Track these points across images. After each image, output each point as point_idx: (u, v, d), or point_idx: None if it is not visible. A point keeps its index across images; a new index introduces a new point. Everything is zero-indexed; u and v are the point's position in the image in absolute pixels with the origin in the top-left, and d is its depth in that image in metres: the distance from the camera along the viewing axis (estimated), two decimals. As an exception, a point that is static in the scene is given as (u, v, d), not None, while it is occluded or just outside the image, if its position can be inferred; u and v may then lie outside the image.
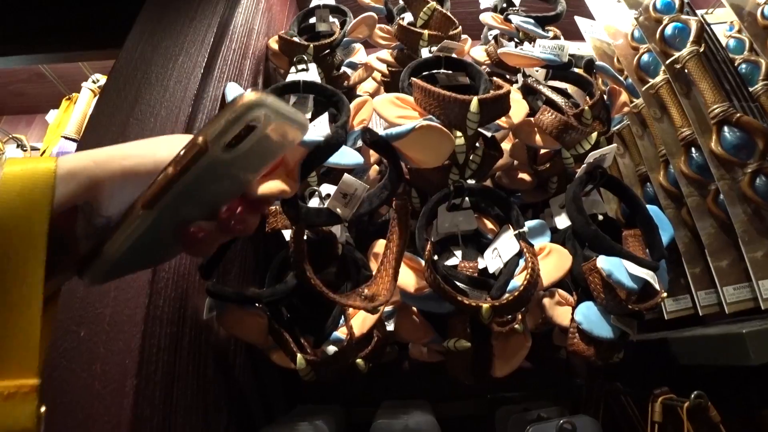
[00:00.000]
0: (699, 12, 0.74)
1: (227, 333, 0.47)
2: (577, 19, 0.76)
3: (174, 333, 0.39)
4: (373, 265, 0.50)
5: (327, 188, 0.46)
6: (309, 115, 0.57)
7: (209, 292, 0.43)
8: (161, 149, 0.22)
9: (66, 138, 1.05)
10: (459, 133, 0.45)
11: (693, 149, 0.60)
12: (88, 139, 0.46)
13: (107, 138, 0.45)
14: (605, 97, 0.56)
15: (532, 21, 0.63)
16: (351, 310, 0.42)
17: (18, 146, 1.17)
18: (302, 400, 0.58)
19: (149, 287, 0.36)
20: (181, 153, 0.19)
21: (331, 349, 0.42)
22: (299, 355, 0.41)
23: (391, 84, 0.69)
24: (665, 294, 0.42)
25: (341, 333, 0.43)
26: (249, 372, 0.52)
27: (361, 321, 0.41)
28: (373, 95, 0.72)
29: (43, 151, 1.10)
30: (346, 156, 0.48)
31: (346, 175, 0.40)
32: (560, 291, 0.46)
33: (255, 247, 0.55)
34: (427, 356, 0.49)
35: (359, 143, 0.56)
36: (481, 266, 0.45)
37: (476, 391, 0.57)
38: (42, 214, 0.19)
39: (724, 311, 0.56)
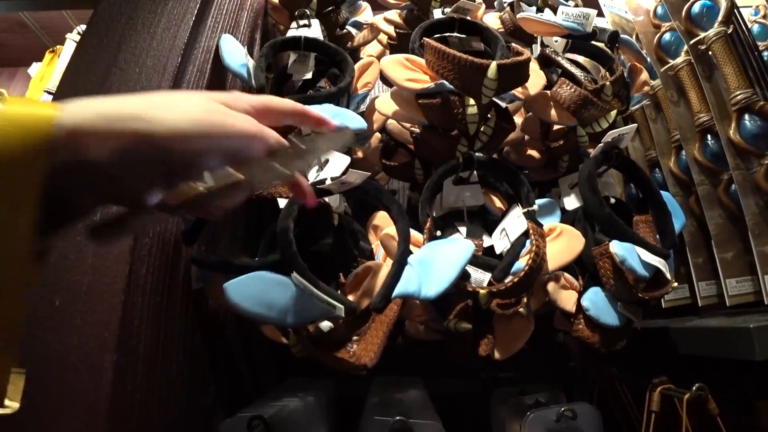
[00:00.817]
0: None
1: (216, 304, 0.44)
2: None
3: (158, 303, 0.36)
4: (372, 238, 0.47)
5: (327, 155, 0.43)
6: (310, 75, 0.53)
7: (193, 260, 0.40)
8: (171, 112, 0.20)
9: (49, 93, 0.99)
10: (472, 102, 0.42)
11: (709, 136, 0.58)
12: (65, 90, 0.41)
13: (86, 89, 0.40)
14: (625, 74, 0.52)
15: (552, -14, 0.59)
16: (350, 285, 0.39)
17: None
18: (292, 373, 0.57)
19: (130, 255, 0.33)
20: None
21: (326, 325, 0.40)
22: (291, 331, 0.39)
23: (398, 47, 0.64)
24: (675, 284, 0.41)
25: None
26: (238, 344, 0.50)
27: (359, 297, 0.38)
28: (378, 59, 0.68)
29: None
30: (349, 119, 0.44)
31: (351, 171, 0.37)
32: (566, 275, 0.44)
33: (247, 216, 0.52)
34: (424, 334, 0.47)
35: (363, 107, 0.53)
36: (486, 244, 0.43)
37: (469, 370, 0.56)
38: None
39: (723, 303, 0.55)
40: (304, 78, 0.54)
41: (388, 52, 0.71)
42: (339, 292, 0.41)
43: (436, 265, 0.35)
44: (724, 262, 0.54)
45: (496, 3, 0.72)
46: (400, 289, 0.33)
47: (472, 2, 0.54)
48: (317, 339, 0.38)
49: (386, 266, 0.39)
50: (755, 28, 0.72)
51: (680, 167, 0.61)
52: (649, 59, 0.64)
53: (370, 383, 0.55)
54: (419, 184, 0.55)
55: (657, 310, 0.61)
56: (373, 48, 0.72)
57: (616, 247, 0.38)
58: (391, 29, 0.65)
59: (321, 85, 0.54)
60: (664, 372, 0.46)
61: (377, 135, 0.58)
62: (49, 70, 1.10)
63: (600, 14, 0.69)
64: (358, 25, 0.66)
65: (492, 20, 0.66)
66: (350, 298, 0.40)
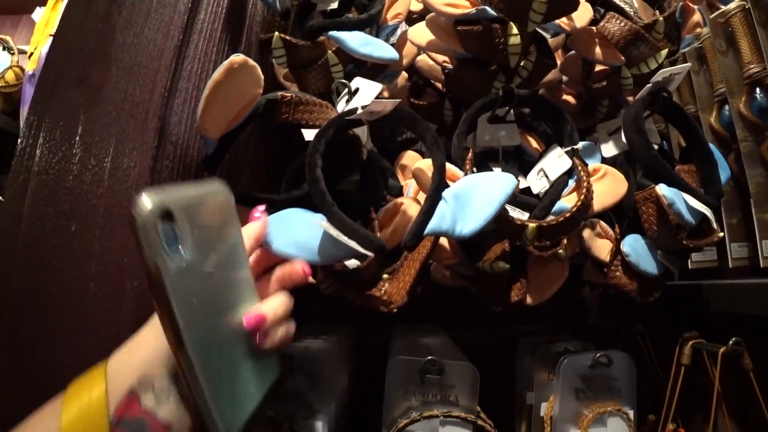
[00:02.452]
0: None
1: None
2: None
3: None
4: (400, 178, 0.45)
5: (358, 82, 0.40)
6: (335, 5, 0.49)
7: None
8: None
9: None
10: (515, 30, 0.39)
11: (758, 89, 0.54)
12: (65, 30, 0.38)
13: (87, 28, 0.37)
14: (677, 13, 0.48)
15: None
16: (379, 219, 0.37)
17: (4, 48, 1.06)
18: (312, 319, 0.56)
19: (149, 176, 0.31)
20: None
21: (353, 263, 0.39)
22: (319, 269, 0.37)
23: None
24: (721, 234, 0.39)
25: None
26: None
27: (391, 233, 0.36)
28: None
29: (31, 53, 1.00)
30: (380, 49, 0.41)
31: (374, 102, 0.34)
32: (602, 223, 0.42)
33: (267, 150, 0.49)
34: (450, 280, 0.46)
35: (393, 39, 0.49)
36: (522, 186, 0.41)
37: (490, 322, 0.55)
38: None
39: (754, 266, 0.53)
40: (330, 8, 0.50)
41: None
42: (369, 228, 0.39)
43: (473, 200, 0.32)
44: (762, 222, 0.52)
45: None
46: (432, 226, 0.31)
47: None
48: (346, 276, 0.37)
49: (417, 203, 0.38)
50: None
51: (722, 123, 0.57)
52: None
53: (389, 332, 0.54)
54: (447, 127, 0.52)
55: (682, 273, 0.60)
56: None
57: (665, 190, 0.36)
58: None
59: (349, 17, 0.50)
60: (687, 330, 0.45)
61: (404, 74, 0.55)
62: (54, 15, 1.05)
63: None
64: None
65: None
66: (379, 235, 0.39)
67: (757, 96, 0.54)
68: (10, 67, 1.01)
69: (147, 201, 0.19)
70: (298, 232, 0.31)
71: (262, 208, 0.29)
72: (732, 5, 0.57)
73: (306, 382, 0.37)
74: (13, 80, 1.02)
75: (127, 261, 0.30)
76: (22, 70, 1.05)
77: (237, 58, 0.29)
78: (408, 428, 0.36)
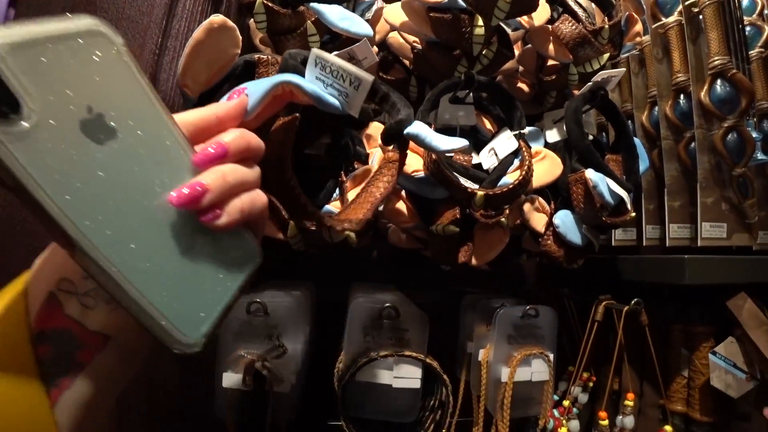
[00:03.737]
0: None
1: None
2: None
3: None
4: (366, 147, 0.50)
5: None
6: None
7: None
8: None
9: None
10: (481, 22, 0.44)
11: (682, 96, 0.63)
12: None
13: None
14: (622, 22, 0.55)
15: None
16: (348, 184, 0.42)
17: None
18: (271, 276, 0.60)
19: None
20: None
21: (329, 208, 0.43)
22: (291, 223, 0.41)
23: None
24: (633, 214, 0.47)
25: (334, 207, 0.43)
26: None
27: (361, 187, 0.41)
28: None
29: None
30: (356, 24, 0.45)
31: (363, 42, 0.37)
32: (540, 199, 0.49)
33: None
34: (405, 242, 0.52)
35: (368, 15, 0.53)
36: (474, 162, 0.47)
37: (438, 284, 0.62)
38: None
39: (663, 245, 0.63)
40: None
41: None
42: (339, 191, 0.44)
43: (442, 136, 0.35)
44: (671, 209, 0.62)
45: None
46: (413, 129, 0.32)
47: None
48: (314, 232, 0.41)
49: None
50: (745, 2, 0.76)
51: (651, 122, 0.67)
52: (645, 12, 0.67)
53: (345, 288, 0.60)
54: (412, 102, 0.57)
55: (606, 249, 0.70)
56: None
57: (591, 174, 0.43)
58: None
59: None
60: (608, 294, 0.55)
61: (375, 48, 0.59)
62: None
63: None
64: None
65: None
66: (349, 196, 0.43)
67: (680, 102, 0.63)
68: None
69: None
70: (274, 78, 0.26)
71: (242, 88, 0.24)
72: (671, 19, 0.65)
73: (276, 324, 0.42)
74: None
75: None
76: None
77: (216, 18, 0.32)
78: (366, 366, 0.42)
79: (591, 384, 0.58)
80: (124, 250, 0.17)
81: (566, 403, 0.53)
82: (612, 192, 0.44)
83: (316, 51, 0.27)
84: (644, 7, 0.65)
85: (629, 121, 0.70)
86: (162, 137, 0.19)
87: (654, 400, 0.59)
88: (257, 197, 0.22)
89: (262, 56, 0.37)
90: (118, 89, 0.18)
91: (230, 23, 0.32)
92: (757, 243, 0.63)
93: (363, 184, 0.39)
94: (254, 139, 0.22)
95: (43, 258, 0.20)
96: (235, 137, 0.21)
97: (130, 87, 0.19)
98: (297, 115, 0.29)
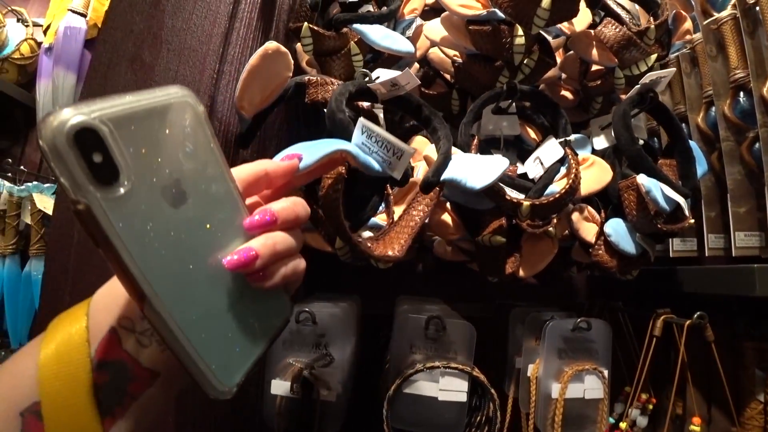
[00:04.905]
0: None
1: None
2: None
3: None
4: (411, 160, 0.51)
5: (379, 72, 0.45)
6: (357, -3, 0.55)
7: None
8: None
9: (73, 12, 0.99)
10: (521, 32, 0.45)
11: (741, 93, 0.60)
12: (114, 18, 0.42)
13: (137, 11, 0.42)
14: (669, 20, 0.54)
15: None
16: (393, 196, 0.43)
17: (18, 20, 1.10)
18: (318, 289, 0.62)
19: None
20: (88, 234, 0.17)
21: (367, 234, 0.45)
22: (338, 238, 0.43)
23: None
24: (692, 220, 0.45)
25: (381, 219, 0.45)
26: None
27: (403, 209, 0.42)
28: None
29: (48, 26, 1.04)
30: (398, 42, 0.47)
31: (405, 72, 0.39)
32: (589, 208, 0.48)
33: (290, 128, 0.55)
34: (450, 254, 0.52)
35: (408, 32, 0.55)
36: (519, 171, 0.47)
37: (485, 297, 0.62)
38: (84, 387, 0.19)
39: (728, 256, 0.59)
40: (350, 0, 0.55)
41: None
42: (384, 204, 0.46)
43: (479, 167, 0.38)
44: (736, 215, 0.58)
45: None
46: (449, 174, 0.37)
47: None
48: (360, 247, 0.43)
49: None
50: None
51: (708, 123, 0.64)
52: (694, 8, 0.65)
53: (389, 302, 0.61)
54: (454, 115, 0.58)
55: (664, 260, 0.66)
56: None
57: (644, 179, 0.42)
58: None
59: (368, 8, 0.55)
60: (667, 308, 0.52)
61: (416, 65, 0.60)
62: (69, -11, 1.08)
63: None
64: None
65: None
66: (395, 209, 0.45)
67: (740, 100, 0.60)
68: (25, 40, 1.06)
69: (59, 120, 0.15)
70: (322, 144, 0.31)
71: (292, 152, 0.27)
72: (724, 13, 0.62)
73: (323, 333, 0.44)
74: (28, 52, 1.06)
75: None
76: (37, 42, 1.10)
77: (271, 45, 0.35)
78: (412, 377, 0.43)
79: (651, 406, 0.55)
80: (184, 305, 0.19)
81: (623, 425, 0.50)
82: (667, 197, 0.43)
83: (363, 121, 0.31)
84: (693, 3, 0.63)
85: (683, 124, 0.68)
86: (224, 199, 0.21)
87: (725, 426, 0.55)
88: (299, 264, 0.24)
89: (311, 78, 0.40)
90: (195, 154, 0.20)
91: (283, 48, 0.35)
92: None
93: (406, 203, 0.40)
94: (303, 210, 0.24)
95: (104, 292, 0.22)
96: (285, 207, 0.23)
97: (205, 151, 0.20)
98: (344, 173, 0.32)
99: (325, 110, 0.36)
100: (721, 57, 0.63)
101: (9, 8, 1.10)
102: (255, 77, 0.35)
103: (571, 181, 0.40)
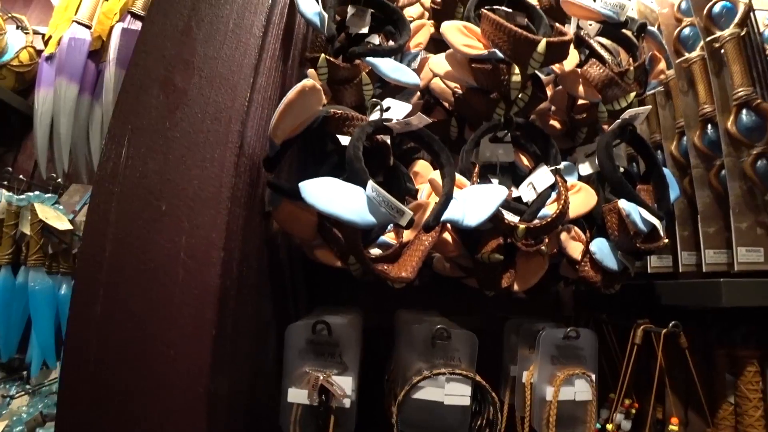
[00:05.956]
0: None
1: (278, 227, 0.53)
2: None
3: (246, 216, 0.44)
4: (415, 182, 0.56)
5: (389, 102, 0.51)
6: (366, 30, 0.60)
7: (269, 184, 0.48)
8: None
9: (78, 23, 1.02)
10: (517, 70, 0.51)
11: (709, 126, 0.68)
12: (149, 35, 0.46)
13: (166, 39, 0.45)
14: (646, 61, 0.61)
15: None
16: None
17: (18, 27, 1.12)
18: (320, 302, 0.66)
19: (234, 168, 0.41)
20: None
21: (376, 251, 0.49)
22: (351, 256, 0.48)
23: (440, 13, 0.71)
24: (666, 240, 0.51)
25: (389, 238, 0.49)
26: (288, 268, 0.59)
27: (412, 233, 0.47)
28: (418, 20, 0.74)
29: (50, 36, 1.06)
30: (406, 75, 0.52)
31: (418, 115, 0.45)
32: (576, 228, 0.54)
33: (299, 152, 0.59)
34: (449, 270, 0.57)
35: (414, 65, 0.60)
36: (513, 195, 0.53)
37: (478, 311, 0.67)
38: None
39: (700, 271, 0.66)
40: (360, 32, 0.61)
41: (427, 15, 0.77)
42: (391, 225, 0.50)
43: (476, 202, 0.44)
44: (706, 235, 0.65)
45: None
46: (447, 215, 0.43)
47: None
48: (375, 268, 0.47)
49: (433, 203, 0.49)
50: (767, 32, 0.82)
51: (680, 151, 0.71)
52: (667, 50, 0.73)
53: (389, 315, 0.65)
54: (452, 141, 0.64)
55: (642, 276, 0.73)
56: (414, 10, 0.78)
57: (624, 204, 0.48)
58: (435, -5, 0.72)
59: (374, 41, 0.61)
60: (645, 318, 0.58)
61: (417, 94, 0.66)
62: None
63: None
64: (404, -12, 0.73)
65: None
66: (405, 233, 0.49)
67: (708, 131, 0.68)
68: (25, 47, 1.08)
69: None
70: (341, 196, 0.39)
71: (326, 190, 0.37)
72: (693, 54, 0.70)
73: (337, 343, 0.48)
74: (27, 60, 1.08)
75: (215, 235, 0.40)
76: (36, 50, 1.11)
77: (308, 82, 0.40)
78: (419, 384, 0.47)
79: (633, 411, 0.61)
80: None
81: (610, 427, 0.56)
82: (644, 220, 0.49)
83: (372, 184, 0.38)
84: (665, 44, 0.70)
85: (658, 152, 0.75)
86: None
87: (700, 427, 0.61)
88: None
89: (336, 111, 0.44)
90: None
91: (318, 86, 0.40)
92: None
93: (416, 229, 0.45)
94: None
95: None
96: None
97: None
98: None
99: (346, 146, 0.42)
100: (692, 92, 0.71)
101: (9, 15, 1.11)
102: (291, 110, 0.40)
103: (561, 205, 0.45)
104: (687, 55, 0.71)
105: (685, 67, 0.71)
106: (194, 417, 0.39)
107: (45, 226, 0.85)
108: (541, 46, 0.47)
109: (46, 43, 1.10)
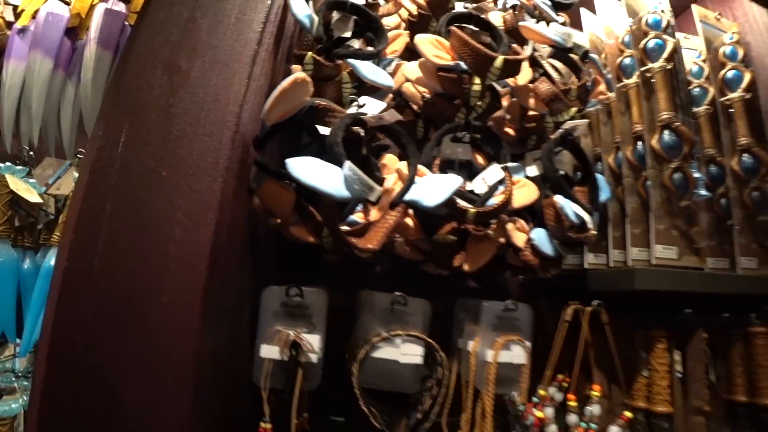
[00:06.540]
0: (680, 35, 0.94)
1: (260, 205, 0.60)
2: (583, 11, 0.93)
3: (236, 188, 0.51)
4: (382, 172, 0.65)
5: (365, 99, 0.60)
6: (349, 34, 0.69)
7: (256, 163, 0.56)
8: None
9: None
10: (478, 81, 0.61)
11: (639, 142, 0.81)
12: (147, 31, 0.53)
13: (172, 25, 0.53)
14: (589, 83, 0.74)
15: (549, 3, 0.79)
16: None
17: None
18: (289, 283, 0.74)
19: (230, 144, 0.48)
20: None
21: (344, 229, 0.58)
22: (325, 230, 0.56)
23: (416, 25, 0.81)
24: (595, 232, 0.63)
25: (358, 216, 0.58)
26: (262, 242, 0.67)
27: (377, 210, 0.56)
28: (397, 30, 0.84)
29: (22, 10, 1.08)
30: (382, 78, 0.61)
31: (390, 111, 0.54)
32: (521, 220, 0.65)
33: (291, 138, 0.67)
34: (410, 254, 0.66)
35: (389, 69, 0.70)
36: (468, 188, 0.63)
37: (433, 296, 0.77)
38: None
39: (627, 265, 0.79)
40: (342, 36, 0.70)
41: (403, 25, 0.88)
42: (362, 206, 0.59)
43: (434, 187, 0.53)
44: (633, 235, 0.78)
45: (501, 2, 0.91)
46: (410, 196, 0.52)
47: (488, 5, 0.73)
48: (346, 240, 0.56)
49: (398, 189, 0.58)
50: (694, 68, 0.97)
51: (616, 163, 0.84)
52: (610, 75, 0.86)
53: (352, 295, 0.74)
54: (418, 139, 0.74)
55: (581, 271, 0.85)
56: (392, 20, 0.88)
57: (559, 199, 0.59)
58: (414, 8, 0.82)
59: (354, 45, 0.70)
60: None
61: (390, 95, 0.76)
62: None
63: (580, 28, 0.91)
64: (385, -2, 0.82)
65: (496, 18, 0.85)
66: (372, 211, 0.58)
67: (639, 147, 0.81)
68: (-7, 16, 1.08)
69: None
70: (321, 173, 0.48)
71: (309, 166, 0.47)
72: (631, 81, 0.84)
73: (307, 306, 0.56)
74: (-6, 29, 1.09)
75: (211, 198, 0.47)
76: (6, 21, 1.12)
77: (301, 75, 0.48)
78: (378, 344, 0.56)
79: (566, 384, 0.72)
80: None
81: (542, 392, 0.66)
82: (576, 214, 0.60)
83: (348, 164, 0.48)
84: (608, 71, 0.84)
85: (598, 163, 0.88)
86: None
87: (619, 399, 0.73)
88: None
89: (321, 103, 0.53)
90: None
91: (308, 78, 0.49)
92: (709, 267, 0.79)
93: (382, 209, 0.54)
94: None
95: None
96: None
97: None
98: None
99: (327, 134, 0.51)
100: (628, 113, 0.84)
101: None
102: (284, 97, 0.48)
103: (506, 195, 0.56)
104: (625, 81, 0.85)
105: (623, 91, 0.85)
106: (184, 362, 0.45)
107: (13, 198, 0.87)
108: (498, 62, 0.58)
109: (17, 16, 1.12)
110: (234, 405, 0.56)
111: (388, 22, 0.88)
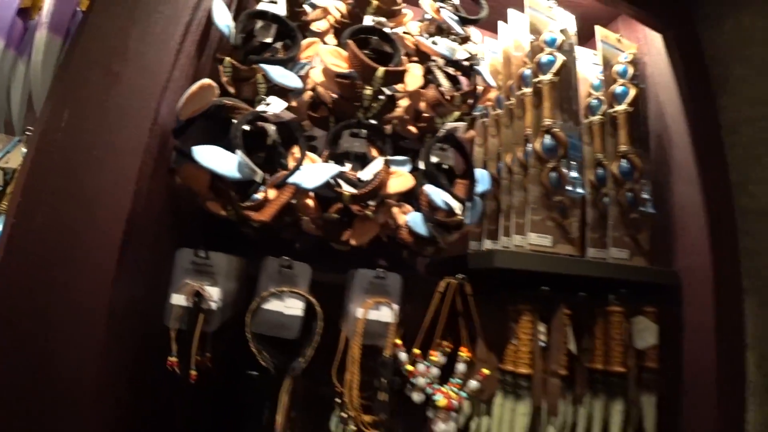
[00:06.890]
0: (589, 51, 1.16)
1: (181, 182, 0.79)
2: (501, 25, 1.14)
3: (154, 168, 0.70)
4: (290, 161, 0.85)
5: (271, 99, 0.79)
6: (270, 40, 0.88)
7: (175, 148, 0.75)
8: None
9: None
10: (369, 87, 0.81)
11: (528, 144, 1.02)
12: (90, 37, 0.72)
13: (105, 50, 0.72)
14: (479, 89, 0.94)
15: (456, 18, 0.99)
16: (270, 183, 0.77)
17: None
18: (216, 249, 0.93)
19: (149, 131, 0.67)
20: None
21: (243, 204, 0.77)
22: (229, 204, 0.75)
23: (339, 31, 1.01)
24: (461, 217, 0.83)
25: (260, 195, 0.77)
26: (183, 214, 0.86)
27: (276, 192, 0.75)
28: (323, 34, 1.03)
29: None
30: (290, 80, 0.81)
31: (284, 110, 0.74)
32: (406, 205, 0.85)
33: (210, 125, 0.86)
34: (315, 231, 0.86)
35: (302, 72, 0.89)
36: (358, 175, 0.83)
37: (336, 268, 0.97)
38: None
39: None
40: (265, 41, 0.89)
41: (332, 31, 1.07)
42: (262, 186, 0.78)
43: (316, 173, 0.73)
44: (517, 225, 0.99)
45: (422, 15, 1.10)
46: (294, 179, 0.71)
47: (393, 19, 0.93)
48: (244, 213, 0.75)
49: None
50: (596, 82, 1.18)
51: (512, 161, 1.05)
52: (494, 83, 1.07)
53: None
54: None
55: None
56: (322, 24, 1.07)
57: (428, 188, 0.79)
58: (338, 15, 1.01)
59: (277, 48, 0.89)
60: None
61: (309, 93, 0.95)
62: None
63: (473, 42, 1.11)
64: (314, 5, 1.02)
65: (415, 28, 1.05)
66: (270, 191, 0.78)
67: (528, 148, 1.02)
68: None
69: None
70: (221, 159, 0.66)
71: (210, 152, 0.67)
72: (527, 90, 1.05)
73: (213, 265, 0.75)
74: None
75: (131, 174, 0.66)
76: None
77: (207, 81, 0.67)
78: (268, 298, 0.75)
79: (448, 350, 0.92)
80: None
81: (415, 350, 0.87)
82: (443, 201, 0.80)
83: (239, 152, 0.68)
84: (494, 82, 1.04)
85: (500, 162, 1.09)
86: None
87: (494, 363, 0.94)
88: None
89: (227, 102, 0.72)
90: None
91: (214, 84, 0.68)
92: (589, 257, 1.01)
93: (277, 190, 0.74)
94: None
95: None
96: None
97: None
98: None
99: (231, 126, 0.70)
100: (523, 118, 1.05)
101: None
102: (194, 98, 0.67)
103: (378, 182, 0.76)
104: (523, 89, 1.06)
105: (522, 98, 1.06)
106: (100, 308, 0.64)
107: (-34, 168, 1.04)
108: (380, 72, 0.77)
109: (-30, -6, 1.27)
110: (148, 344, 0.75)
111: (318, 25, 1.08)
